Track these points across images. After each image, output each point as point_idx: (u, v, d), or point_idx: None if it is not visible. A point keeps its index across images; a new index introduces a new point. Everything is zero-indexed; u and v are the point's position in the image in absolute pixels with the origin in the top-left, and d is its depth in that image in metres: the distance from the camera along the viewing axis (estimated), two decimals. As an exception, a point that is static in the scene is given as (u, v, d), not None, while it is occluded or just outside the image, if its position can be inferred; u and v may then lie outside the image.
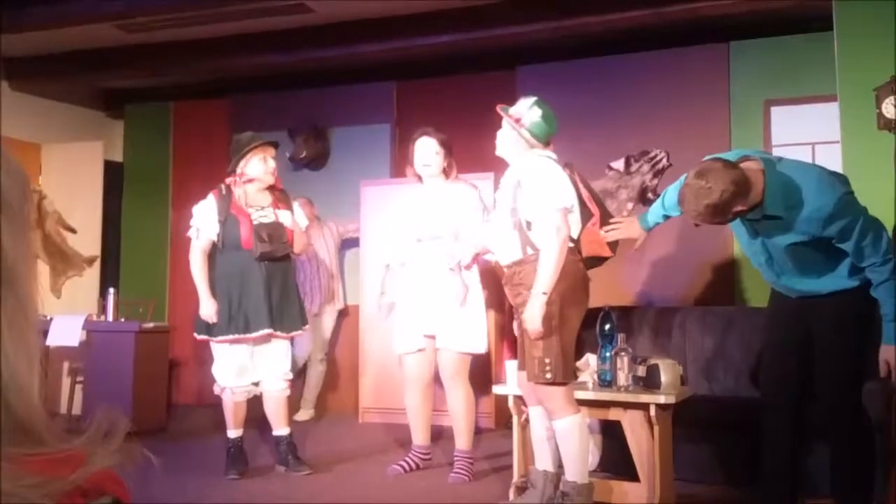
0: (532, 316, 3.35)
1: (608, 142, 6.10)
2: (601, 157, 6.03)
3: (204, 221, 4.41)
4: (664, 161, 5.97)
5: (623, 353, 3.62)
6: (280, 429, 4.49)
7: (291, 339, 4.57)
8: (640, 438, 3.56)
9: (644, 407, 3.51)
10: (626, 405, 3.58)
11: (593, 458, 4.14)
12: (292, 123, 7.05)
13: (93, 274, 6.58)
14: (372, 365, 6.22)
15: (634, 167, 5.64)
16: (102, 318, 5.99)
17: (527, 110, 3.64)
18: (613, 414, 3.67)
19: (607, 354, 3.66)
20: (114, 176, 7.52)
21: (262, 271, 4.33)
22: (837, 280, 3.07)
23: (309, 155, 6.98)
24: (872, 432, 3.15)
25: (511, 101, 6.57)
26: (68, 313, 5.52)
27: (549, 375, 3.37)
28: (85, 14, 5.61)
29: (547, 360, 3.37)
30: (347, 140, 7.02)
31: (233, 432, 4.47)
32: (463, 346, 4.31)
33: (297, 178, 7.01)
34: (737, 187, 2.86)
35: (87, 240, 6.49)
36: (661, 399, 3.46)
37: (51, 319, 5.55)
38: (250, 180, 4.40)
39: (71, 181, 6.63)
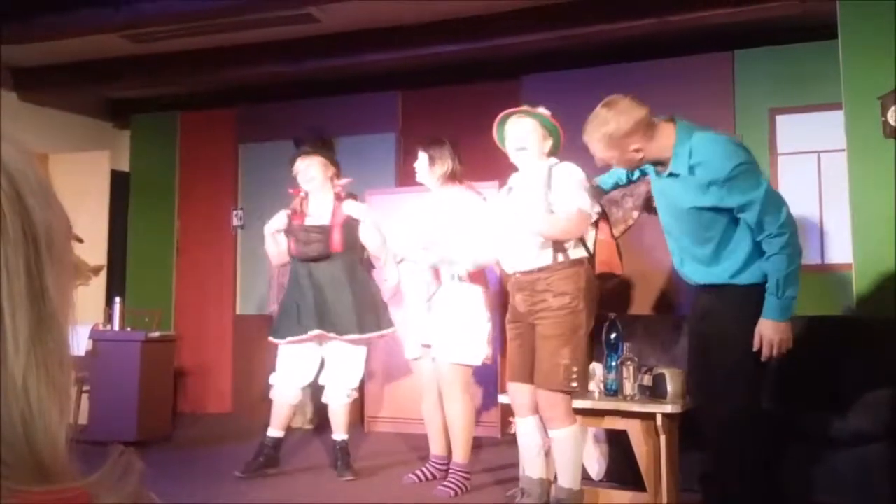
0: (532, 219, 3.40)
1: (613, 150, 6.09)
2: (607, 165, 6.02)
3: (267, 234, 4.64)
4: (669, 169, 5.96)
5: (629, 362, 3.62)
6: (336, 433, 4.59)
7: (363, 345, 4.55)
8: (647, 448, 3.55)
9: (650, 416, 3.50)
10: (633, 414, 3.57)
11: (599, 468, 4.13)
12: (298, 133, 7.06)
13: (99, 283, 6.60)
14: (376, 374, 6.21)
15: (639, 175, 5.62)
16: (108, 327, 6.00)
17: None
18: (619, 423, 3.66)
19: (613, 363, 3.65)
20: (120, 186, 7.55)
21: (309, 274, 4.49)
22: (733, 272, 2.99)
23: (314, 164, 6.99)
24: (767, 442, 3.08)
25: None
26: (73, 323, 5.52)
27: (574, 384, 3.40)
28: (91, 24, 5.64)
29: (574, 369, 3.39)
30: (353, 149, 7.02)
31: (271, 430, 4.59)
32: (456, 357, 4.20)
33: (302, 187, 7.02)
34: (636, 125, 2.94)
35: (93, 249, 6.50)
36: (668, 408, 3.45)
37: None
38: (304, 190, 4.64)
39: (77, 191, 6.64)
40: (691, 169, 2.94)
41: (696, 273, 3.16)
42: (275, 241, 4.61)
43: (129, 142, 7.97)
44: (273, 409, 4.61)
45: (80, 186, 6.82)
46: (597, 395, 3.72)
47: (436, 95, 6.86)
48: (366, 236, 4.54)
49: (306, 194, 4.65)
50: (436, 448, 4.47)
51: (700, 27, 5.50)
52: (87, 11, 5.49)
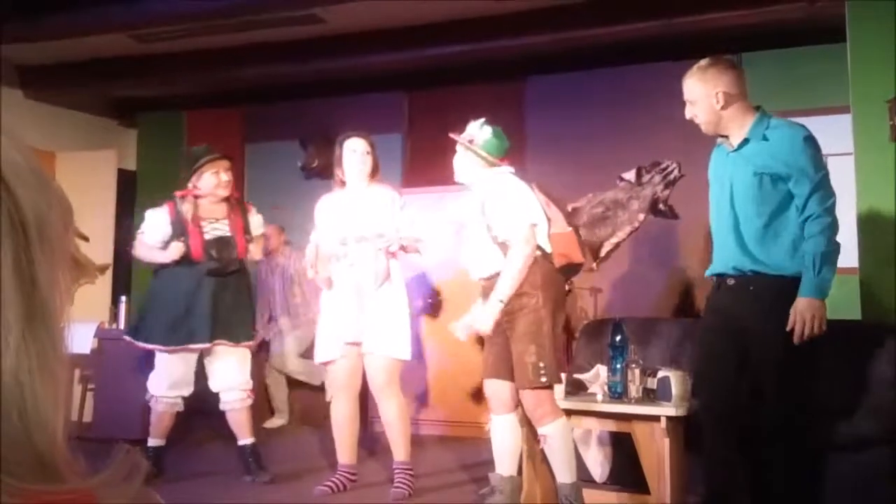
0: (485, 320, 3.53)
1: (619, 152, 6.09)
2: (612, 167, 6.02)
3: (151, 229, 4.47)
4: (675, 172, 5.95)
5: (634, 365, 3.62)
6: (243, 439, 4.49)
7: (251, 350, 4.56)
8: (651, 451, 3.54)
9: (655, 419, 3.49)
10: (637, 417, 3.57)
11: (603, 470, 4.12)
12: (304, 132, 7.08)
13: (105, 282, 6.62)
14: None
15: (646, 178, 5.62)
16: (114, 325, 6.02)
17: (478, 130, 3.81)
18: (624, 426, 3.66)
19: (618, 366, 3.65)
20: (127, 184, 7.56)
21: (210, 284, 4.37)
22: (781, 254, 3.10)
23: (320, 164, 7.01)
24: (806, 444, 3.16)
25: (520, 111, 6.60)
26: (79, 321, 5.54)
27: (544, 379, 3.48)
28: (99, 23, 5.65)
29: (541, 364, 3.47)
30: (359, 150, 7.03)
31: (152, 440, 4.46)
32: (393, 352, 4.10)
33: (308, 187, 7.03)
34: (731, 73, 3.24)
35: (99, 248, 6.53)
36: (673, 411, 3.44)
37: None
38: (202, 196, 4.45)
39: (84, 189, 6.65)
40: (765, 136, 3.14)
41: (738, 258, 3.17)
42: (156, 250, 4.43)
43: (135, 141, 7.99)
44: (154, 418, 4.47)
45: (86, 185, 6.83)
46: (601, 397, 3.72)
47: (441, 96, 6.86)
48: (257, 245, 4.59)
49: (195, 198, 4.45)
50: (348, 457, 4.26)
51: (706, 30, 5.49)
52: (94, 10, 5.51)
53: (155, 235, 4.44)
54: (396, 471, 4.15)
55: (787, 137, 3.12)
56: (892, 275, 4.27)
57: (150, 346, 4.45)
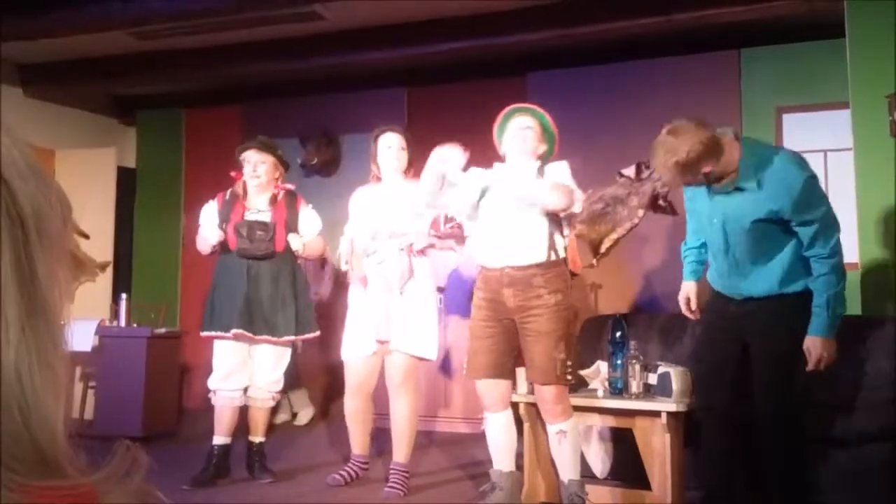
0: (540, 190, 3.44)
1: (619, 148, 6.08)
2: (612, 163, 6.01)
3: (204, 221, 4.49)
4: (675, 168, 5.95)
5: (634, 361, 3.62)
6: (255, 436, 4.45)
7: (291, 345, 4.52)
8: (652, 446, 3.55)
9: (656, 415, 3.50)
10: (638, 413, 3.58)
11: (604, 466, 4.12)
12: (303, 130, 7.08)
13: (105, 279, 6.62)
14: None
15: (645, 174, 5.61)
16: (115, 323, 6.02)
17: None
18: (624, 422, 3.66)
19: (619, 362, 3.65)
20: (126, 182, 7.56)
21: (246, 270, 4.31)
22: (782, 281, 3.12)
23: (320, 161, 7.01)
24: (803, 441, 3.23)
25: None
26: (80, 318, 5.55)
27: (570, 377, 3.46)
28: (98, 21, 5.65)
29: (569, 363, 3.44)
30: (358, 146, 7.02)
31: (216, 438, 4.40)
32: (416, 350, 4.10)
33: (307, 184, 7.03)
34: (705, 147, 2.92)
35: (99, 245, 6.53)
36: (673, 407, 3.45)
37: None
38: (247, 183, 4.46)
39: (84, 187, 6.66)
40: (759, 182, 2.99)
41: (743, 287, 3.22)
42: (215, 232, 4.36)
43: (135, 138, 7.99)
44: (216, 415, 4.41)
45: (86, 183, 6.84)
46: (601, 393, 3.72)
47: (441, 92, 6.86)
48: (312, 245, 4.44)
49: (244, 185, 4.46)
50: (361, 447, 4.32)
51: (706, 25, 5.49)
52: (93, 7, 5.50)
53: (207, 226, 4.43)
54: (392, 471, 4.16)
55: (785, 185, 2.95)
56: (892, 269, 4.28)
57: (203, 335, 4.45)
